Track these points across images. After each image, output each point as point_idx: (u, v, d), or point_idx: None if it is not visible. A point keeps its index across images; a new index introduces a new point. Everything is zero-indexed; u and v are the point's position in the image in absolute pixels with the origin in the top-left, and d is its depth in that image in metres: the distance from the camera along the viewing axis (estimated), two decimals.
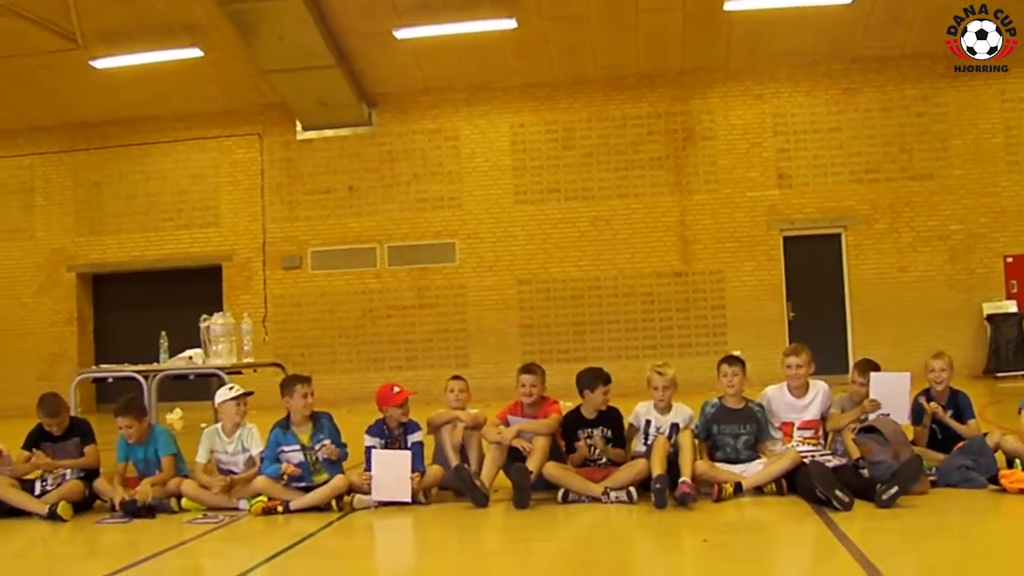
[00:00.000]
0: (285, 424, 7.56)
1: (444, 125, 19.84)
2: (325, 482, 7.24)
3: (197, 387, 10.35)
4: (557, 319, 19.22)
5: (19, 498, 7.42)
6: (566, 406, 7.70)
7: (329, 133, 20.11)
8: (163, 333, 9.77)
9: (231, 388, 7.76)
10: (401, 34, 17.75)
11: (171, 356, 9.61)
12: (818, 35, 18.13)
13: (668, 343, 18.84)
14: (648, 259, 19.13)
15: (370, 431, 7.53)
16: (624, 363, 17.54)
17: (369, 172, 20.00)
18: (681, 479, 6.61)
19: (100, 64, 18.30)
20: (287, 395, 7.54)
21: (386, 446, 7.38)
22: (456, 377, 7.93)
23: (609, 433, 7.34)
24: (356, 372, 19.22)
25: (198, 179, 20.60)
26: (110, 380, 9.82)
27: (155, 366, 9.36)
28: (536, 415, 7.48)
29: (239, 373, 9.43)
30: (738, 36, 18.17)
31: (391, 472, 7.15)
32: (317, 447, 7.48)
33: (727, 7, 17.11)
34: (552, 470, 7.08)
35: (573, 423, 7.43)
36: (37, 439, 7.79)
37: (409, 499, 7.11)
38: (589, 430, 7.35)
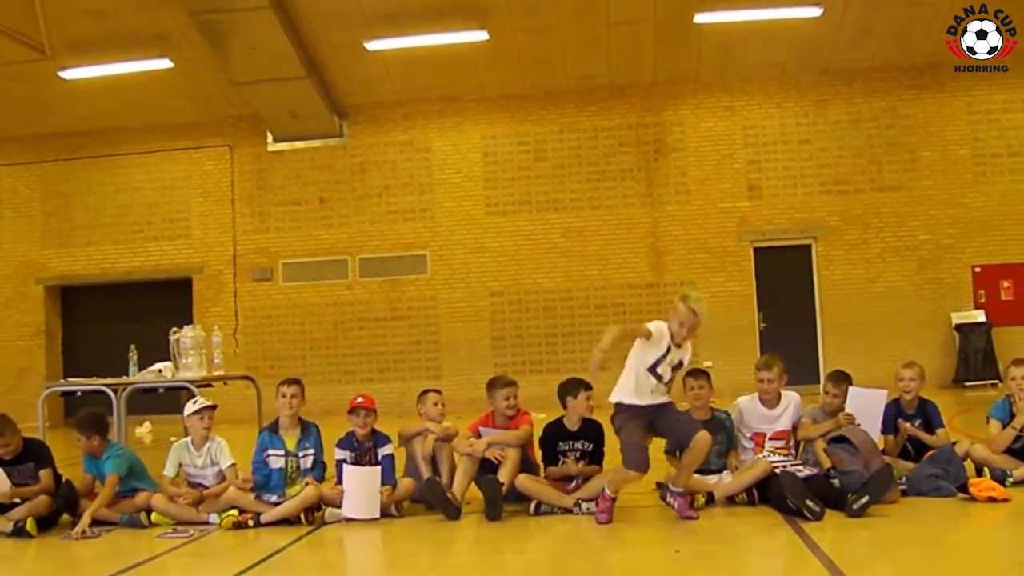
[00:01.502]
0: (273, 428, 7.58)
1: (416, 137, 19.83)
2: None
3: (167, 400, 10.29)
4: (529, 331, 19.22)
5: None
6: (538, 418, 7.70)
7: (300, 145, 20.05)
8: (132, 346, 9.71)
9: (195, 402, 7.72)
10: (372, 45, 17.75)
11: (141, 369, 9.55)
12: (788, 47, 18.26)
13: None
14: (620, 270, 19.18)
15: (340, 444, 7.51)
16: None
17: (340, 184, 19.94)
18: (675, 488, 6.67)
19: (69, 75, 18.19)
20: (277, 397, 7.59)
21: (356, 459, 7.35)
22: (434, 390, 7.92)
23: (590, 447, 7.33)
24: (327, 384, 19.12)
25: (168, 191, 20.49)
26: (79, 394, 9.72)
27: (124, 379, 9.29)
28: (508, 426, 7.47)
29: (209, 386, 9.37)
30: (709, 48, 18.27)
31: (361, 488, 7.13)
32: (301, 454, 7.47)
33: (698, 19, 17.20)
34: (524, 482, 7.08)
35: (555, 435, 7.42)
36: None
37: (378, 515, 7.08)
38: (571, 442, 7.33)
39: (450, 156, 19.73)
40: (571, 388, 7.44)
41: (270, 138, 20.08)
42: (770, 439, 7.33)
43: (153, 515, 7.35)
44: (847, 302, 18.67)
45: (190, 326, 9.68)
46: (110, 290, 20.68)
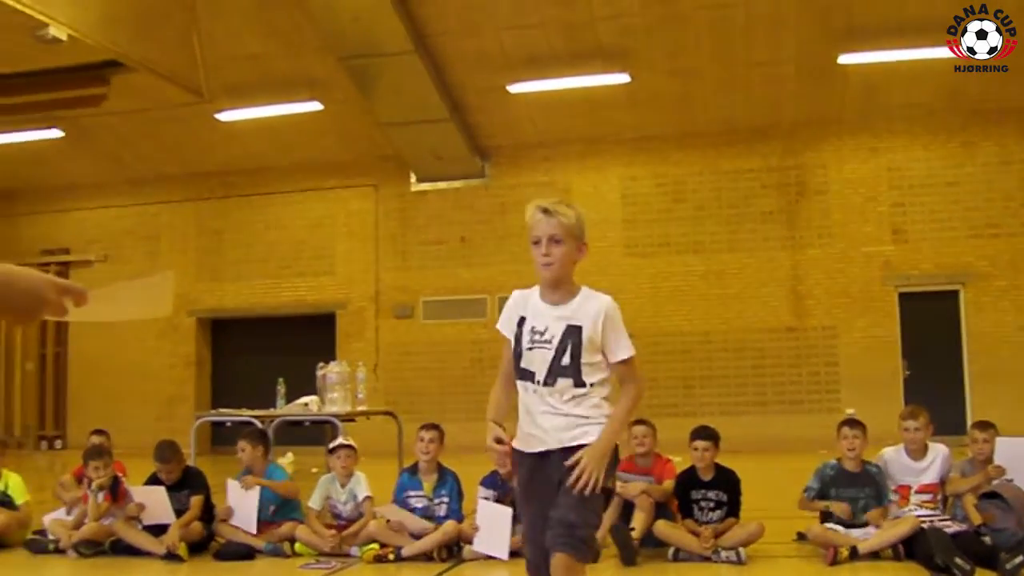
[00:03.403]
0: (413, 470, 7.76)
1: (556, 178, 20.00)
2: None
3: (311, 433, 10.58)
4: (666, 373, 19.05)
5: (138, 538, 7.68)
6: (676, 462, 7.69)
7: (443, 185, 20.43)
8: (281, 379, 10.03)
9: (335, 440, 7.97)
10: (515, 88, 18.01)
11: (288, 402, 9.86)
12: (935, 88, 17.84)
13: (779, 400, 18.56)
14: (759, 314, 18.91)
15: (484, 482, 7.61)
16: (734, 419, 17.32)
17: (481, 224, 20.24)
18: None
19: (224, 117, 18.97)
20: (416, 440, 7.80)
21: (499, 498, 7.44)
22: None
23: (724, 498, 7.25)
24: (464, 421, 19.17)
25: (315, 228, 21.11)
26: (228, 424, 10.08)
27: (272, 412, 9.60)
28: (650, 470, 7.49)
29: (352, 420, 9.60)
30: (853, 89, 17.99)
31: (492, 525, 7.20)
32: (436, 501, 7.61)
33: (841, 60, 16.96)
34: (663, 528, 7.06)
35: (688, 484, 7.38)
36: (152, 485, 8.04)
37: (506, 556, 7.11)
38: (704, 491, 7.27)
39: (589, 197, 19.79)
40: (691, 436, 7.41)
41: (413, 178, 20.52)
42: (916, 492, 7.13)
43: (296, 545, 7.58)
44: (997, 350, 18.01)
45: (336, 362, 9.95)
46: (257, 323, 21.38)
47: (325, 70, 17.82)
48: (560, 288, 4.00)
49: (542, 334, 3.90)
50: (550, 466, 3.80)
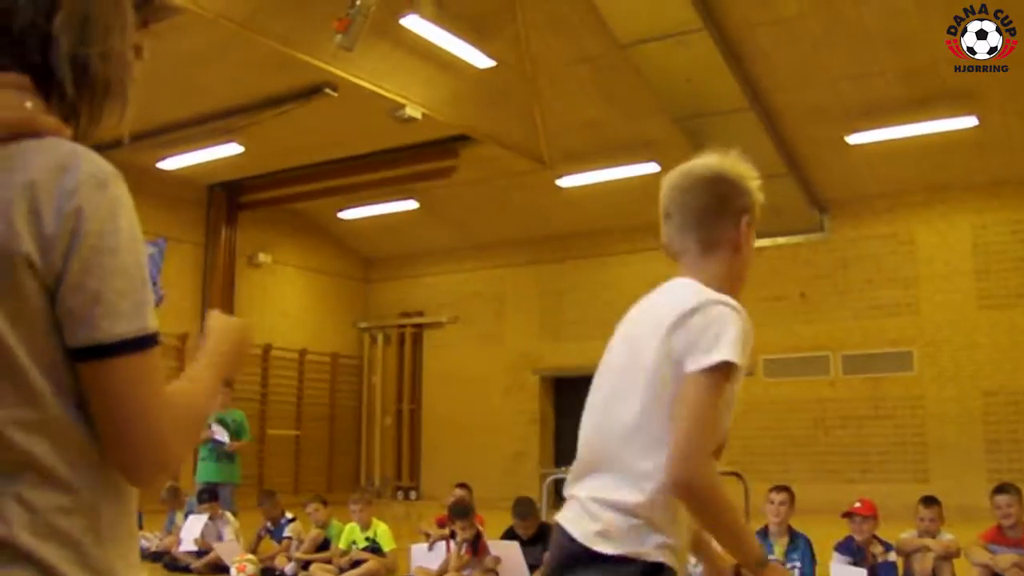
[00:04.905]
0: (763, 532, 7.75)
1: (899, 229, 19.23)
2: None
3: None
4: None
5: None
6: None
7: (781, 240, 20.13)
8: None
9: None
10: (853, 139, 17.55)
11: None
12: None
13: None
14: None
15: (839, 548, 7.47)
16: None
17: (821, 279, 19.77)
18: None
19: (564, 182, 19.69)
20: (766, 503, 7.79)
21: (855, 564, 7.26)
22: (928, 502, 7.67)
23: None
24: (807, 483, 18.70)
25: (652, 288, 21.31)
26: None
27: None
28: (1021, 541, 7.05)
29: None
30: None
31: None
32: (788, 565, 7.53)
33: None
34: None
35: None
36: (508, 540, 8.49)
37: None
38: None
39: (937, 248, 18.90)
40: None
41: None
42: None
43: None
44: None
45: None
46: None
47: (662, 132, 18.11)
48: None
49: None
50: None
